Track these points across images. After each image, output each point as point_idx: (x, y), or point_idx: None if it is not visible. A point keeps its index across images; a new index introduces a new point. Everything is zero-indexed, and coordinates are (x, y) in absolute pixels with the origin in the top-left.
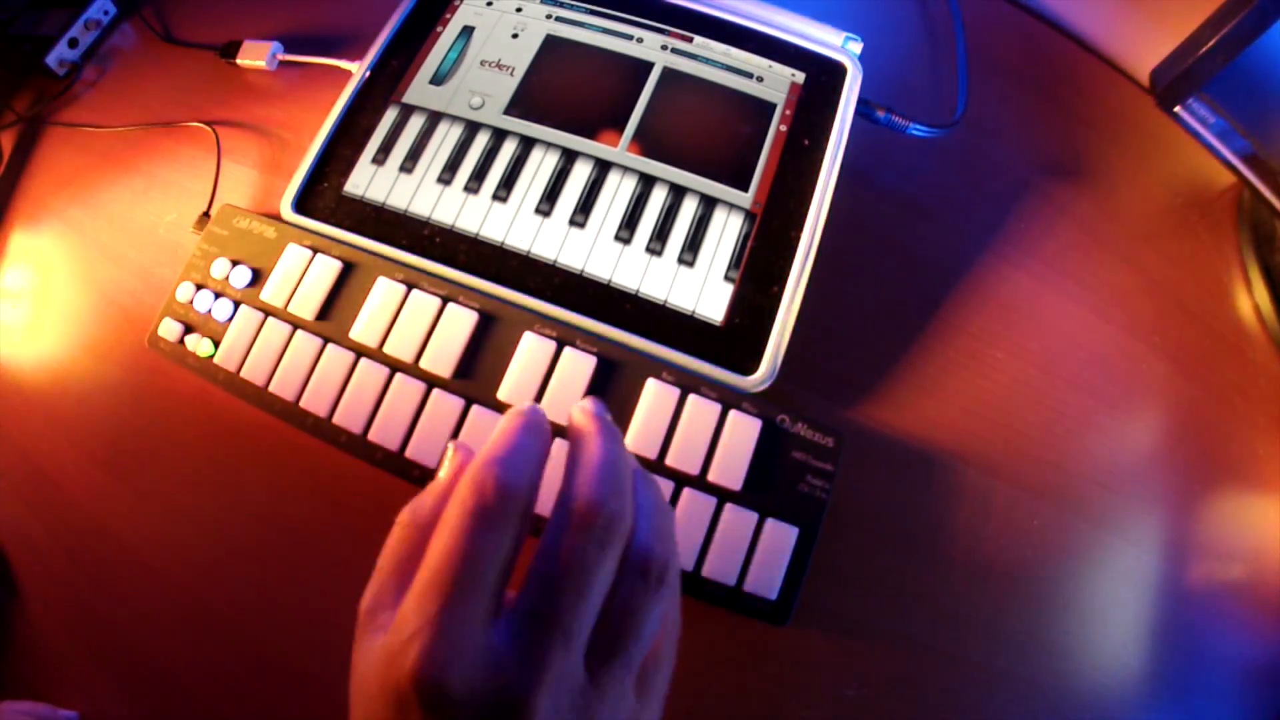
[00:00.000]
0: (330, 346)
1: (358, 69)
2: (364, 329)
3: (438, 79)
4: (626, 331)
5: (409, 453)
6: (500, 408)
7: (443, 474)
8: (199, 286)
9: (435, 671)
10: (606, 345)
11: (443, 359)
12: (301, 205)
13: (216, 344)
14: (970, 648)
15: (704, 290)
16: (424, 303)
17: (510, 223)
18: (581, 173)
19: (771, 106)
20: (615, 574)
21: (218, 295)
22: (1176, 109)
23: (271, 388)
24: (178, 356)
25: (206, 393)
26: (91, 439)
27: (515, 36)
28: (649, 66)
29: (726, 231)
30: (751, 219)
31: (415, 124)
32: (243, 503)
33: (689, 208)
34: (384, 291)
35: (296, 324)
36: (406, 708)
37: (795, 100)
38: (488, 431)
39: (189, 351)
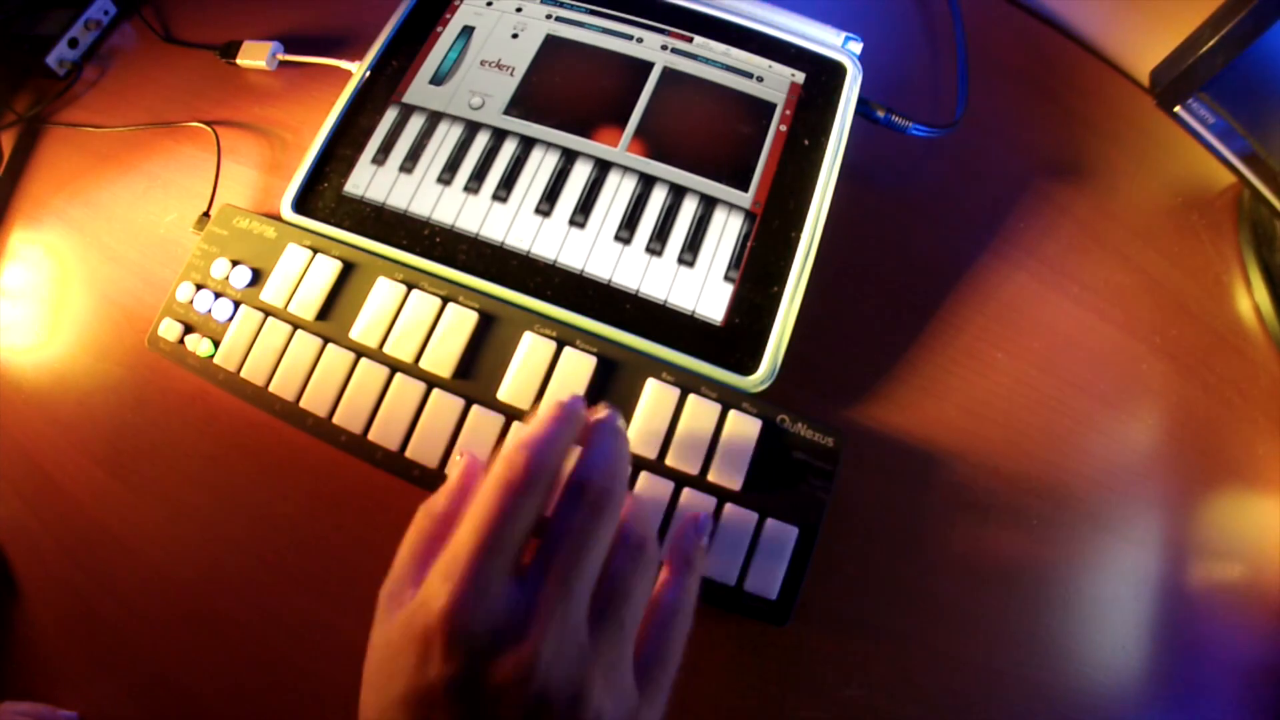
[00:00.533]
0: (330, 346)
1: (358, 69)
2: (364, 329)
3: (438, 79)
4: (626, 331)
5: (409, 453)
6: (500, 408)
7: (454, 476)
8: (199, 286)
9: (462, 613)
10: (606, 345)
11: (443, 359)
12: (301, 205)
13: (216, 344)
14: (970, 647)
15: (704, 290)
16: (424, 303)
17: (510, 223)
18: (581, 173)
19: (771, 106)
20: (608, 542)
21: (218, 295)
22: (1176, 109)
23: (271, 388)
24: (178, 356)
25: (206, 393)
26: (91, 439)
27: (515, 36)
28: (649, 66)
29: (726, 231)
30: (751, 219)
31: (415, 124)
32: (242, 502)
33: (689, 208)
34: (384, 291)
35: (296, 324)
36: (430, 648)
37: (795, 100)
38: (488, 432)
39: (189, 351)
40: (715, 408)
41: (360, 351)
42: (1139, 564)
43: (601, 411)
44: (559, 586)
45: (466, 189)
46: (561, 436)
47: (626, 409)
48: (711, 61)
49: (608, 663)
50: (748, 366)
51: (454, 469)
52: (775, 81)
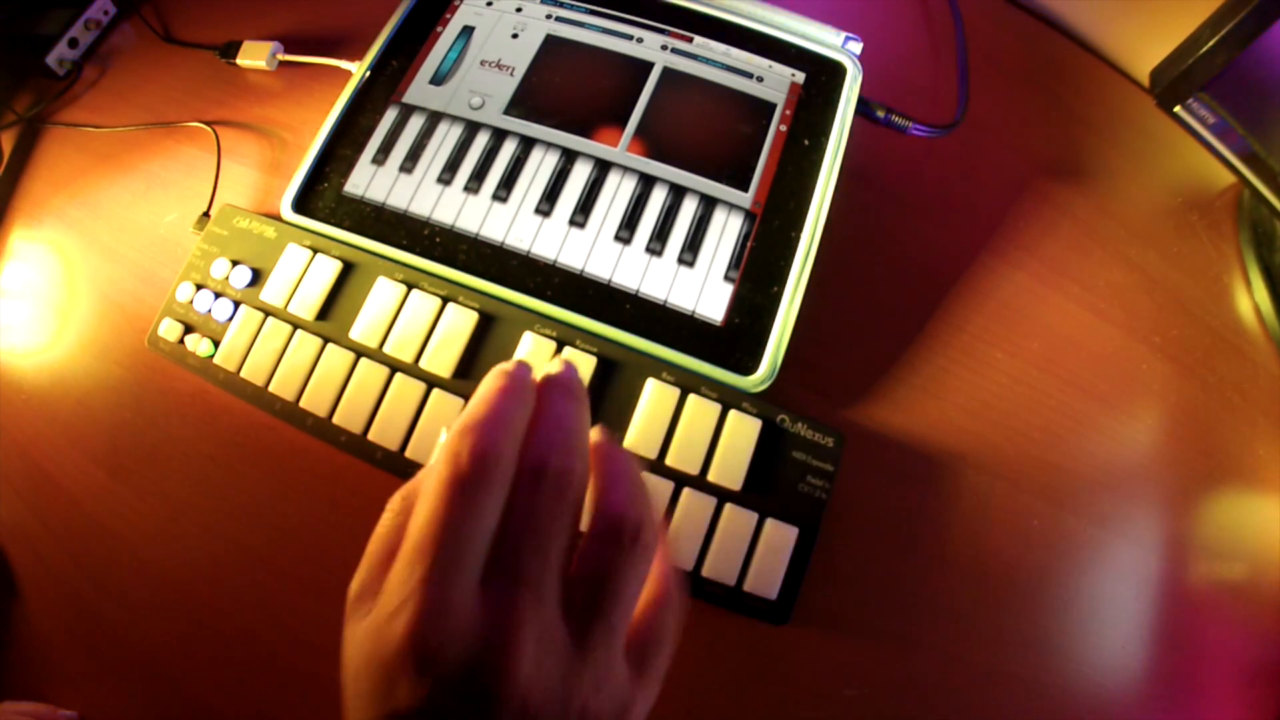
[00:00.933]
0: (330, 346)
1: (358, 69)
2: (364, 329)
3: (438, 79)
4: (626, 331)
5: (409, 453)
6: None
7: (433, 460)
8: (199, 286)
9: (421, 641)
10: (606, 345)
11: (443, 359)
12: (301, 205)
13: (216, 344)
14: (970, 648)
15: (704, 290)
16: (424, 303)
17: (510, 223)
18: (581, 173)
19: (771, 106)
20: (575, 529)
21: (218, 295)
22: (1176, 109)
23: (271, 388)
24: (178, 356)
25: (206, 393)
26: (91, 438)
27: (515, 36)
28: (649, 66)
29: (726, 231)
30: (751, 219)
31: (415, 124)
32: (242, 502)
33: (689, 208)
34: (384, 291)
35: (296, 324)
36: (395, 679)
37: (795, 100)
38: None
39: (189, 351)
40: (715, 408)
41: (360, 351)
42: (1139, 564)
43: (555, 367)
44: (530, 591)
45: (466, 189)
46: (511, 412)
47: (626, 409)
48: (711, 61)
49: (597, 664)
50: (748, 366)
51: (437, 451)
52: (775, 81)
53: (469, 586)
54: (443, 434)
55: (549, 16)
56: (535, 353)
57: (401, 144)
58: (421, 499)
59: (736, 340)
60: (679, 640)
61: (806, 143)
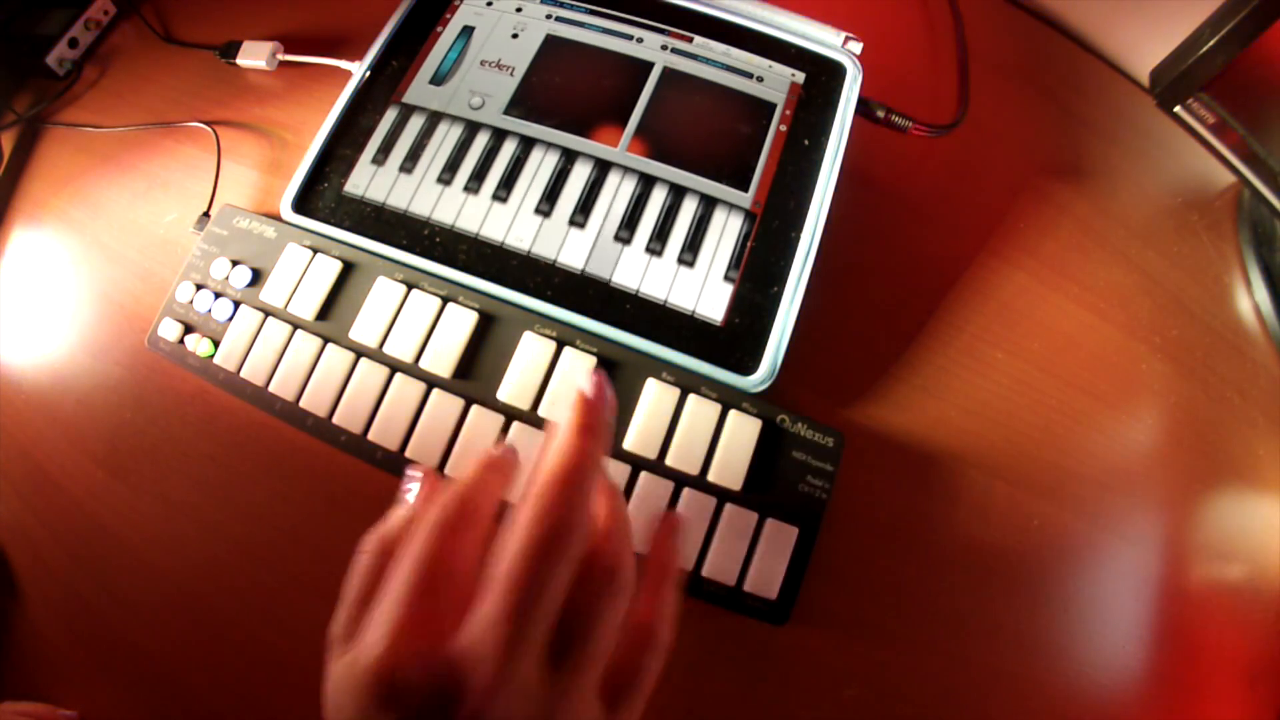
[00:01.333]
0: (330, 346)
1: (358, 69)
2: (364, 329)
3: (438, 79)
4: (626, 332)
5: (409, 452)
6: (500, 408)
7: (409, 500)
8: (199, 286)
9: (388, 668)
10: (606, 345)
11: (443, 359)
12: (301, 205)
13: (216, 344)
14: (970, 648)
15: (704, 290)
16: (424, 303)
17: (510, 223)
18: (581, 173)
19: (771, 106)
20: (568, 578)
21: (218, 295)
22: (1176, 109)
23: (271, 388)
24: (178, 356)
25: (206, 392)
26: (91, 438)
27: (515, 36)
28: (649, 66)
29: (726, 231)
30: (751, 219)
31: (415, 124)
32: (242, 502)
33: (689, 208)
34: (384, 291)
35: (296, 324)
36: (366, 707)
37: (795, 100)
38: (488, 432)
39: (189, 351)
40: (715, 408)
41: (360, 351)
42: (1139, 564)
43: (586, 388)
44: (508, 635)
45: (466, 189)
46: (493, 482)
47: (626, 409)
48: (711, 61)
49: (571, 700)
50: (748, 366)
51: (413, 493)
52: (775, 81)
53: (445, 623)
54: (416, 477)
55: (549, 16)
56: (535, 353)
57: (401, 144)
58: (408, 540)
59: (736, 340)
60: (657, 683)
61: (806, 143)
